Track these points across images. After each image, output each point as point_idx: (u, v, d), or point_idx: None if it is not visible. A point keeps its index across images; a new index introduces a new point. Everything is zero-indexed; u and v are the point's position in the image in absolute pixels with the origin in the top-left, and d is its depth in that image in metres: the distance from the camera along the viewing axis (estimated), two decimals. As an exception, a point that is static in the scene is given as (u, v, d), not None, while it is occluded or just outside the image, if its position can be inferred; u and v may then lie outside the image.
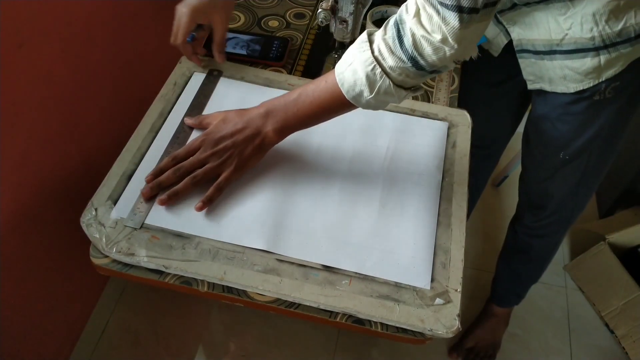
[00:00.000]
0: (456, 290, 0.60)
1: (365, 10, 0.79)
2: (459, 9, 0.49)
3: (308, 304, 0.59)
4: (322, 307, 0.59)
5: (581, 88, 0.73)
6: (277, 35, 0.91)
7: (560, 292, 1.40)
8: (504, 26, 0.78)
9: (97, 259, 0.62)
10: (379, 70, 0.56)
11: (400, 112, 0.79)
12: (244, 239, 0.63)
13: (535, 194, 0.96)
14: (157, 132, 0.73)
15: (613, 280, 1.31)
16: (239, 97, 0.78)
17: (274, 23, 0.93)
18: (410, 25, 0.53)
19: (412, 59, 0.54)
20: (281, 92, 0.79)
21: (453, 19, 0.50)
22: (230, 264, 0.61)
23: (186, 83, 0.80)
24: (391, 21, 0.56)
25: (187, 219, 0.64)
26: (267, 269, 0.61)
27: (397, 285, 0.61)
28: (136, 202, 0.65)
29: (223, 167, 0.66)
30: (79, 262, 1.03)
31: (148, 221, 0.63)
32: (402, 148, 0.75)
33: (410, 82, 0.58)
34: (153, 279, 0.61)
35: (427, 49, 0.53)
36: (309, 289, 0.59)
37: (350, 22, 0.78)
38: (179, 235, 0.63)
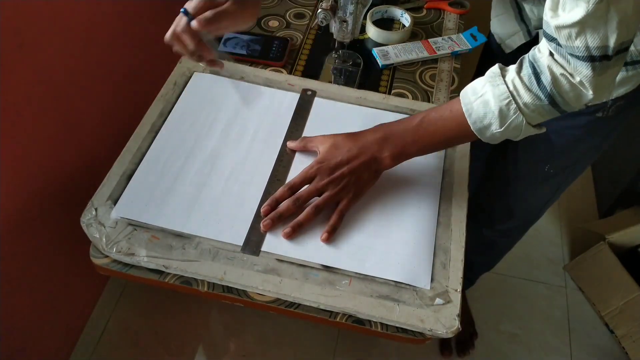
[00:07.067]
0: (456, 290, 0.60)
1: (365, 10, 0.79)
2: (590, 59, 0.50)
3: (308, 304, 0.59)
4: (322, 307, 0.59)
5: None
6: (277, 35, 0.91)
7: (560, 292, 1.40)
8: (527, 26, 0.77)
9: (97, 258, 0.62)
10: (513, 106, 0.56)
11: (400, 112, 0.79)
12: (244, 238, 0.63)
13: (511, 200, 0.96)
14: (157, 132, 0.73)
15: (613, 280, 1.31)
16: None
17: (274, 23, 0.93)
18: (547, 63, 0.53)
19: (549, 97, 0.54)
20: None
21: (585, 68, 0.50)
22: (230, 264, 0.61)
23: (186, 83, 0.80)
24: (526, 59, 0.56)
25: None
26: (267, 269, 0.61)
27: (397, 285, 0.61)
28: (249, 233, 0.63)
29: (342, 194, 0.65)
30: (79, 262, 1.03)
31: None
32: (402, 148, 0.75)
33: (539, 119, 0.58)
34: (153, 279, 0.61)
35: (566, 86, 0.53)
36: (309, 289, 0.59)
37: (350, 22, 0.78)
38: (179, 235, 0.63)
